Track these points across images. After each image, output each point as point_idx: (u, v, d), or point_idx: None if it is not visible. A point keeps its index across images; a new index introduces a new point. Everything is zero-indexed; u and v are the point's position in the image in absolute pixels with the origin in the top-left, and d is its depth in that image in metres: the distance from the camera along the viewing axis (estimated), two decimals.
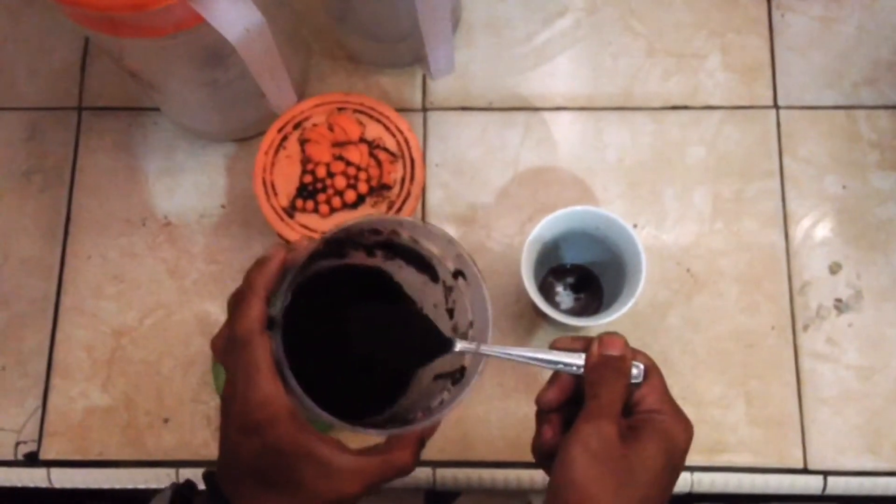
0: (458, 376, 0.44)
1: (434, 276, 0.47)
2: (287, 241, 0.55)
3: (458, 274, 0.45)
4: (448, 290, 0.46)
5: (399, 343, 0.46)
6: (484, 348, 0.43)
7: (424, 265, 0.47)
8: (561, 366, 0.44)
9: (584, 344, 0.45)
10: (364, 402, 0.46)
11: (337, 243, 0.45)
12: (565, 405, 0.45)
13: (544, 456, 0.44)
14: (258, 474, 0.40)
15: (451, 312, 0.47)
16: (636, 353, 0.44)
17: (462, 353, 0.44)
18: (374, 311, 0.47)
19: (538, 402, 0.45)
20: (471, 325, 0.45)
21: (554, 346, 0.45)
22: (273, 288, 0.41)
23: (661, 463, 0.41)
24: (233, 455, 0.40)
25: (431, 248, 0.45)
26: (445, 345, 0.44)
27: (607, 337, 0.44)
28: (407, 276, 0.48)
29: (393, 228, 0.44)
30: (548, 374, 0.45)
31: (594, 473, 0.40)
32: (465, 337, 0.45)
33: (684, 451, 0.43)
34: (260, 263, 0.41)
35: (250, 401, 0.39)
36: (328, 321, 0.46)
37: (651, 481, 0.41)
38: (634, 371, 0.44)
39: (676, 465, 0.42)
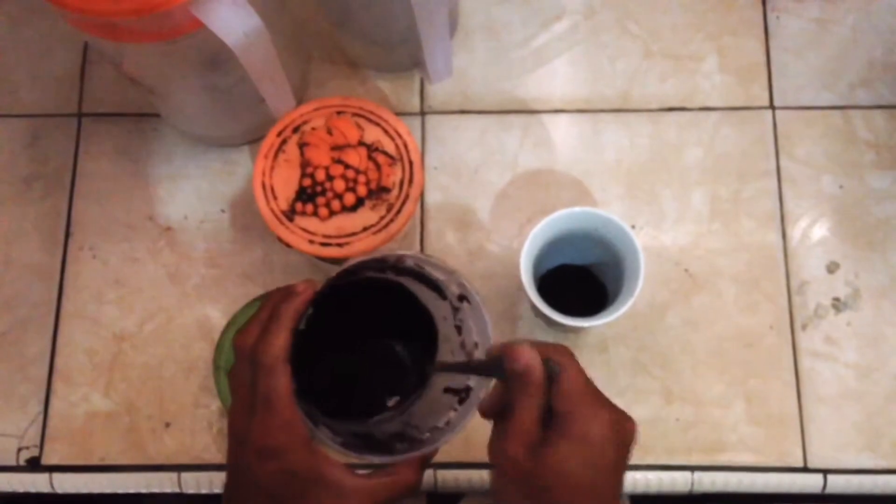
0: (463, 395, 0.47)
1: (442, 294, 0.49)
2: (287, 245, 0.55)
3: (462, 298, 0.47)
4: (455, 309, 0.49)
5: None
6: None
7: (432, 285, 0.49)
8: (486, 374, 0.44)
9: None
10: (377, 403, 0.49)
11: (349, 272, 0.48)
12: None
13: None
14: (273, 497, 0.41)
15: (459, 329, 0.49)
16: (547, 349, 0.42)
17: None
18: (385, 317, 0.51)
19: (480, 409, 0.45)
20: (476, 346, 0.47)
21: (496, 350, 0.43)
22: (298, 321, 0.42)
23: (577, 468, 0.39)
24: (250, 478, 0.42)
25: (436, 275, 0.48)
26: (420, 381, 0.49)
27: (511, 349, 0.41)
28: (418, 290, 0.50)
29: (398, 257, 0.46)
30: None
31: (506, 494, 0.41)
32: (470, 356, 0.48)
33: (609, 446, 0.40)
34: (289, 294, 0.42)
35: (270, 426, 0.40)
36: (346, 328, 0.50)
37: (572, 486, 0.40)
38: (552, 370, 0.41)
39: (602, 462, 0.40)
